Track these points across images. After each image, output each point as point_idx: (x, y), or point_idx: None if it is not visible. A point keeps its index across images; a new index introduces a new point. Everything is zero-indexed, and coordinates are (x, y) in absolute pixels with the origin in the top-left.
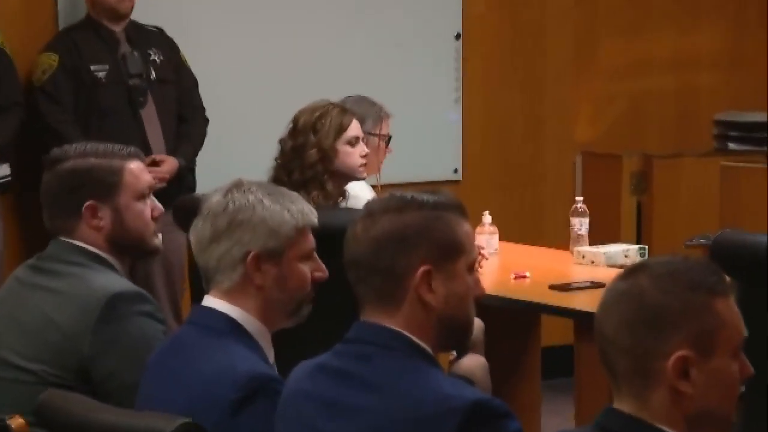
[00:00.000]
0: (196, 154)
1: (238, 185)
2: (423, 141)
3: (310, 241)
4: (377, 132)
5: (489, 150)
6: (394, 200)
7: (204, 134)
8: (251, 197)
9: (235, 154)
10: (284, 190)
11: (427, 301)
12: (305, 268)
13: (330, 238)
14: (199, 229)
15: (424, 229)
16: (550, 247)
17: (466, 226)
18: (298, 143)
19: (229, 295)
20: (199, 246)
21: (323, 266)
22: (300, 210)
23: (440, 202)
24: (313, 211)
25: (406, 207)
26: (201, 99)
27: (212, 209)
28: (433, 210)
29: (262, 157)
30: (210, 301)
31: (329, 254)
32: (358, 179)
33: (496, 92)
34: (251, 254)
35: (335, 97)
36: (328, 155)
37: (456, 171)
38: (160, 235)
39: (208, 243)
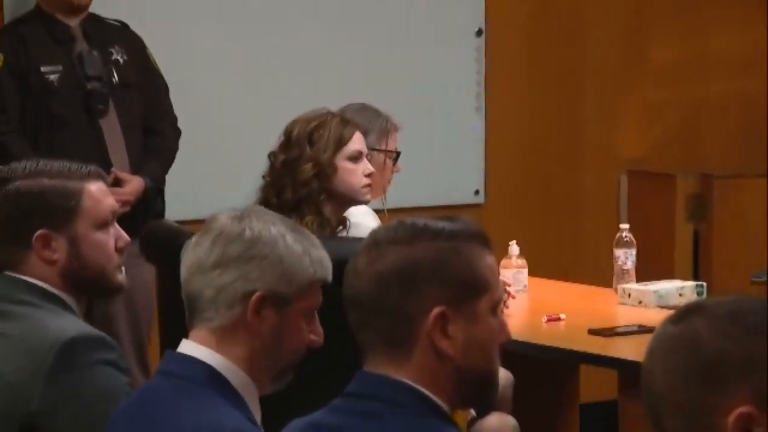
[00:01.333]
0: (166, 173)
1: (257, 212)
2: (438, 157)
3: (320, 298)
4: (383, 147)
5: (517, 168)
6: (402, 228)
7: (175, 149)
8: (274, 230)
9: (214, 172)
10: (306, 230)
11: (443, 348)
12: (305, 328)
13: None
14: (204, 249)
15: (438, 263)
16: (589, 283)
17: (489, 259)
18: (291, 157)
19: (215, 336)
20: (197, 269)
21: (321, 330)
22: (320, 259)
23: (458, 231)
24: (330, 264)
25: (418, 236)
26: (172, 107)
27: (226, 231)
28: (450, 240)
29: (247, 176)
30: (187, 346)
31: (325, 292)
32: (360, 203)
33: (525, 99)
34: (257, 294)
35: (334, 105)
36: (325, 171)
37: (477, 193)
38: (123, 270)
39: (210, 268)
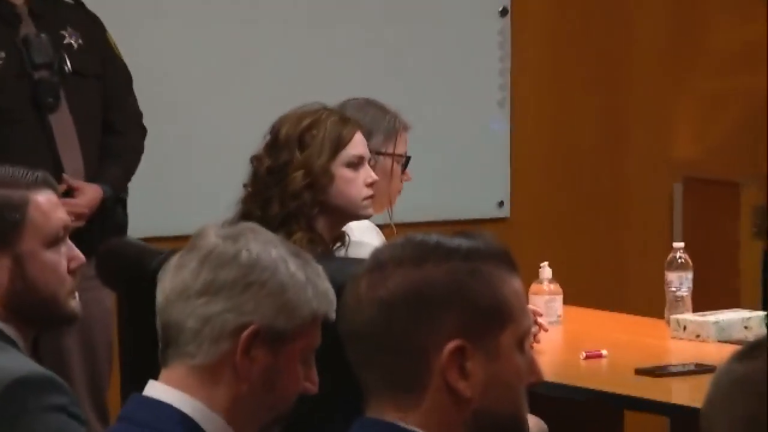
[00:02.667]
0: (129, 179)
1: (253, 230)
2: (454, 162)
3: (319, 338)
4: (390, 150)
5: (548, 174)
6: (411, 247)
7: (140, 150)
8: (275, 253)
9: (186, 180)
10: (309, 256)
11: (460, 390)
12: (301, 372)
13: None
14: (190, 272)
15: (453, 288)
16: (636, 313)
17: (515, 284)
18: (279, 162)
19: (194, 376)
20: (179, 294)
21: (316, 377)
22: (324, 292)
23: (477, 250)
24: (334, 298)
25: (429, 256)
26: (136, 101)
27: (218, 252)
28: (467, 260)
29: (225, 184)
30: (156, 389)
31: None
32: (361, 217)
33: (557, 92)
34: (251, 328)
35: (331, 100)
36: (319, 180)
37: (501, 205)
38: (77, 296)
39: (196, 295)
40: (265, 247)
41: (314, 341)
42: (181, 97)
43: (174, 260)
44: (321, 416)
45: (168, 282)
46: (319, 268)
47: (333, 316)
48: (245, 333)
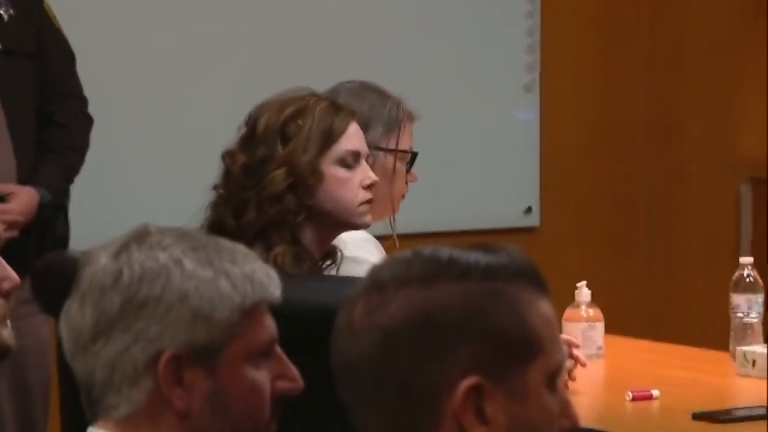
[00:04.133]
0: (71, 181)
1: (140, 237)
2: (471, 160)
3: (268, 328)
4: (392, 145)
5: (586, 174)
6: (418, 263)
7: (85, 146)
8: (163, 257)
9: (141, 180)
10: (220, 242)
11: None
12: (259, 376)
13: (306, 328)
14: (75, 315)
15: (470, 314)
16: (694, 344)
17: (545, 308)
18: (256, 159)
19: (128, 427)
20: (76, 345)
21: (293, 370)
22: (247, 275)
23: (499, 267)
24: (272, 275)
25: (440, 275)
26: (81, 86)
27: (96, 281)
28: (487, 280)
29: (190, 186)
30: None
31: (305, 355)
32: (357, 226)
33: (598, 74)
34: (165, 356)
35: (322, 85)
36: (305, 181)
37: (529, 211)
38: (9, 324)
39: (90, 340)
40: (150, 253)
41: (258, 337)
42: (135, 79)
43: (69, 302)
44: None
45: (64, 331)
46: (238, 249)
47: (276, 296)
48: (161, 363)
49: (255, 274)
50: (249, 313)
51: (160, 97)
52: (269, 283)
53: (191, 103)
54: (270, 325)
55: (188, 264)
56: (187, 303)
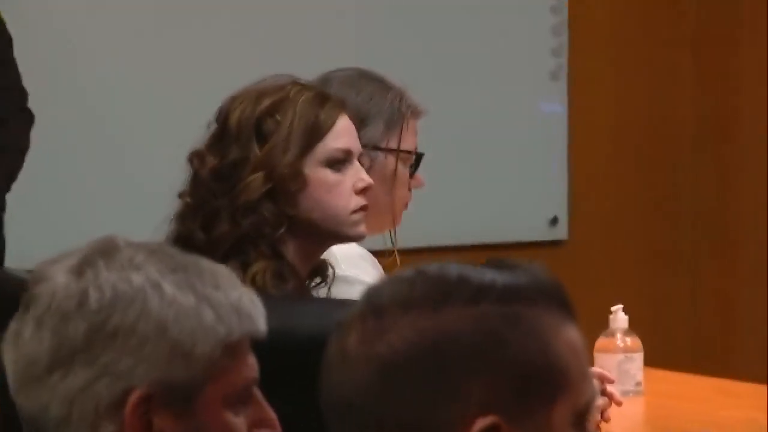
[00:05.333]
0: (9, 187)
1: (107, 252)
2: (488, 162)
3: (251, 367)
4: (393, 144)
5: (622, 178)
6: (424, 283)
7: (25, 146)
8: (137, 278)
9: (91, 187)
10: (200, 261)
11: None
12: (237, 423)
13: (290, 360)
14: (28, 341)
15: (484, 343)
16: (748, 378)
17: (573, 336)
18: (228, 161)
19: None
20: (27, 375)
21: (272, 416)
22: (233, 304)
23: (517, 287)
24: (257, 303)
25: (449, 298)
26: (19, 75)
27: (57, 303)
28: (504, 303)
29: (150, 193)
30: None
31: (289, 391)
32: (349, 239)
33: (638, 58)
34: (134, 395)
35: (311, 72)
36: (287, 186)
37: (555, 223)
38: None
39: (46, 370)
40: (122, 274)
41: (239, 378)
42: (85, 68)
43: (11, 325)
44: None
45: (9, 359)
46: (219, 272)
47: (261, 330)
48: (129, 404)
49: (241, 303)
50: (232, 349)
51: (114, 91)
52: (256, 314)
53: (151, 97)
54: (253, 363)
55: (167, 288)
56: (165, 335)
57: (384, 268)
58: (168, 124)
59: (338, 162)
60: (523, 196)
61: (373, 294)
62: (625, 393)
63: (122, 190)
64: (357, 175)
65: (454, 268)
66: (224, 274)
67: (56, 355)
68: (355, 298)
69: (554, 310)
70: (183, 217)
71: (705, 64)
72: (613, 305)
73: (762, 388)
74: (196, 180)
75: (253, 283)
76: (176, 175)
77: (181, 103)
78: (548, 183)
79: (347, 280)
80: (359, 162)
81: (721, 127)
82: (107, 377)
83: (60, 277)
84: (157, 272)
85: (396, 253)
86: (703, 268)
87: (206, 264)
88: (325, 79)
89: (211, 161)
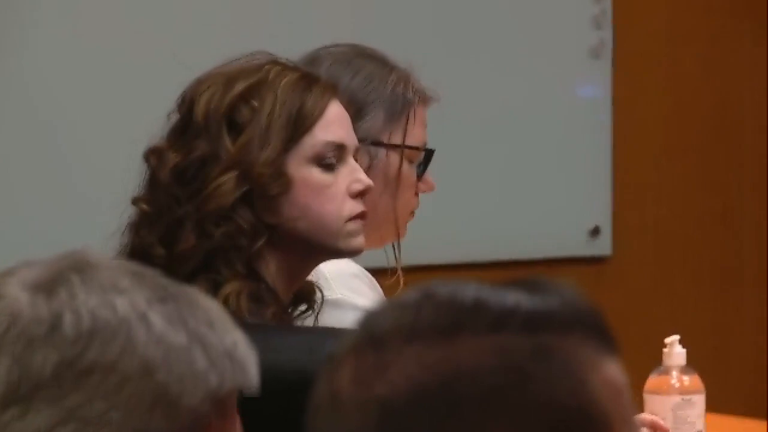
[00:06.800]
0: None
1: (80, 268)
2: (514, 161)
3: (232, 425)
4: (397, 138)
5: (677, 180)
6: (433, 309)
7: None
8: (122, 306)
9: (33, 191)
10: (189, 291)
11: None
12: None
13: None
14: None
15: (506, 381)
16: None
17: (613, 373)
18: (193, 158)
19: None
20: None
21: None
22: (228, 348)
23: (548, 314)
24: (252, 354)
25: (463, 325)
26: None
27: (22, 324)
28: (530, 332)
29: (95, 199)
30: None
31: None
32: (342, 253)
33: (698, 32)
34: None
35: (291, 48)
36: (265, 189)
37: (596, 233)
38: None
39: (0, 405)
40: (104, 298)
41: (227, 429)
42: (26, 53)
43: None
44: None
45: None
46: (210, 306)
47: (254, 381)
48: None
49: (236, 350)
50: (222, 404)
51: (53, 72)
52: (250, 365)
53: (99, 80)
54: (238, 424)
55: (156, 321)
56: (150, 377)
57: (384, 289)
58: (119, 113)
59: (329, 159)
60: (556, 202)
61: (370, 322)
62: None
63: (63, 194)
64: (352, 175)
65: (469, 289)
66: (216, 310)
67: (14, 388)
68: (349, 327)
69: (592, 341)
70: (138, 227)
71: None
72: (667, 335)
73: None
74: (154, 182)
75: (226, 307)
76: (130, 176)
77: (135, 87)
78: (587, 185)
79: (339, 305)
80: (355, 159)
81: None
82: (73, 422)
83: (20, 294)
84: (144, 300)
85: (400, 271)
86: None
87: (196, 295)
88: (313, 57)
89: (173, 159)
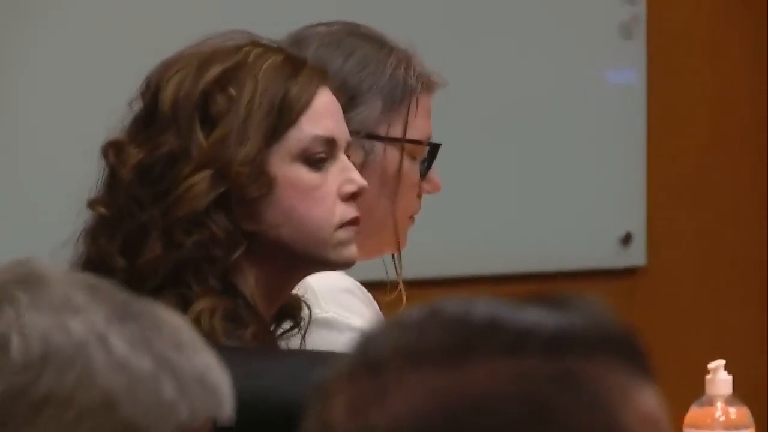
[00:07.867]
0: None
1: (29, 281)
2: (534, 158)
3: None
4: (396, 131)
5: (721, 179)
6: (439, 328)
7: None
8: (78, 327)
9: None
10: (155, 309)
11: None
12: None
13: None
14: None
15: (524, 412)
16: None
17: (647, 403)
18: (160, 155)
19: None
20: None
21: None
22: (199, 375)
23: (573, 334)
24: (226, 377)
25: (475, 348)
26: None
27: None
28: (552, 357)
29: (46, 201)
30: None
31: None
32: (332, 264)
33: (748, 10)
34: None
35: (274, 27)
36: (243, 191)
37: (628, 241)
38: None
39: None
40: (57, 318)
41: None
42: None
43: None
44: None
45: None
46: (178, 325)
47: (228, 411)
48: None
49: (208, 374)
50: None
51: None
52: (224, 391)
53: (51, 66)
54: None
55: (117, 345)
56: (112, 411)
57: (383, 307)
58: (73, 103)
59: (318, 156)
60: (582, 206)
61: (367, 344)
62: None
63: (9, 196)
64: (344, 174)
65: (481, 306)
66: (184, 329)
67: None
68: (342, 350)
69: (624, 366)
70: (95, 234)
71: None
72: (710, 360)
73: None
74: (113, 182)
75: (197, 327)
76: (85, 175)
77: (91, 73)
78: (619, 187)
79: (329, 325)
80: (348, 156)
81: None
82: None
83: None
84: (103, 320)
85: (401, 285)
86: None
87: (161, 312)
88: (301, 37)
89: (136, 155)
